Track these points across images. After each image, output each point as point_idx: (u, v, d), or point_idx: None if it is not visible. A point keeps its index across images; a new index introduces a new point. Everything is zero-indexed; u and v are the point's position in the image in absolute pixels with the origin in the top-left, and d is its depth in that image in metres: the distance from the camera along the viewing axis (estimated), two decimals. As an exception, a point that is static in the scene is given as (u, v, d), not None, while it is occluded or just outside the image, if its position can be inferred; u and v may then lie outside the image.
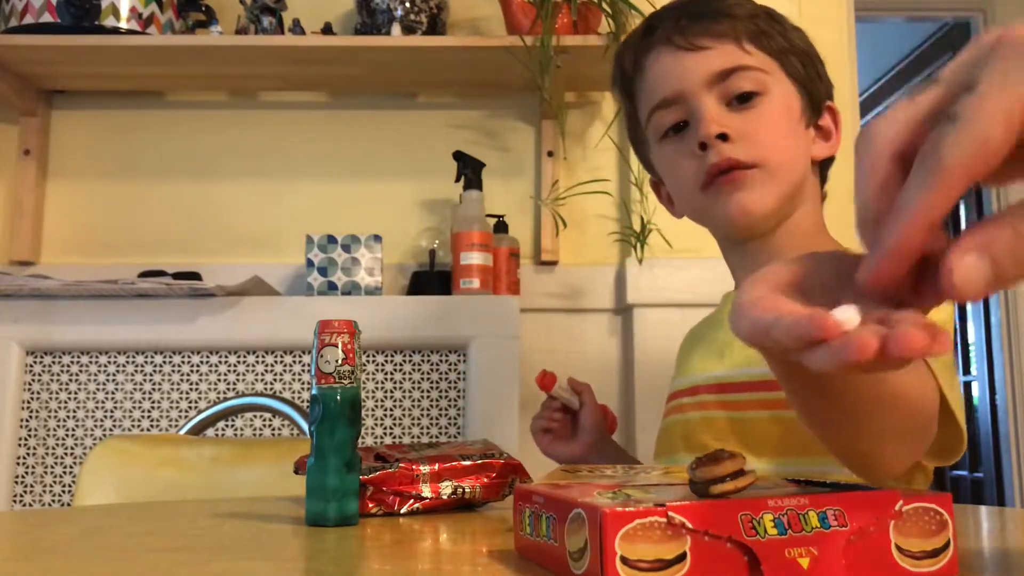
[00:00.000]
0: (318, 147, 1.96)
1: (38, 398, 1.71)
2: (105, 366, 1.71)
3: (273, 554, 0.55)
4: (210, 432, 1.38)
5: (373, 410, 1.71)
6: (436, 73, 1.86)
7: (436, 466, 0.75)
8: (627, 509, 0.38)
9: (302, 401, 1.63)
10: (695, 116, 0.92)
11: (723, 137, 0.89)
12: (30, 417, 1.71)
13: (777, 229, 0.94)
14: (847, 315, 0.34)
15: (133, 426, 1.71)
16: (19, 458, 1.70)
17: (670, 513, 0.38)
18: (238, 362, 1.71)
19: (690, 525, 0.38)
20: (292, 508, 0.76)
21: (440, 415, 1.70)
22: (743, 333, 0.38)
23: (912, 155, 0.35)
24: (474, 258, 1.71)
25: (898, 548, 0.40)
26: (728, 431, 0.95)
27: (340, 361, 0.66)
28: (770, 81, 0.93)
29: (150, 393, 1.71)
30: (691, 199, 0.95)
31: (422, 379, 1.71)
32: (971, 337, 3.43)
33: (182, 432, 1.33)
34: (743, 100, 0.92)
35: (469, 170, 1.79)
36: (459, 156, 1.80)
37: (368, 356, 1.71)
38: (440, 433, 1.70)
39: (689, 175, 0.93)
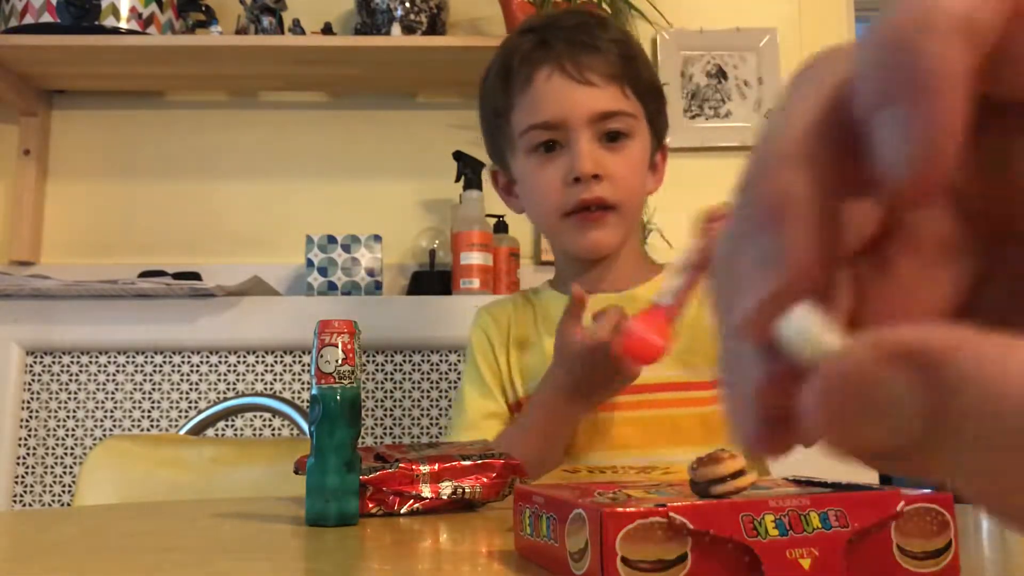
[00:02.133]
0: (318, 147, 1.96)
1: (38, 398, 1.71)
2: (105, 366, 1.71)
3: (273, 554, 0.55)
4: (210, 432, 1.38)
5: (373, 410, 1.71)
6: (436, 73, 1.86)
7: (436, 466, 0.75)
8: (628, 510, 0.38)
9: (302, 401, 1.63)
10: (573, 149, 1.01)
11: (596, 176, 1.01)
12: (30, 417, 1.70)
13: (610, 255, 1.07)
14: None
15: (133, 426, 1.70)
16: (19, 458, 1.69)
17: (671, 514, 0.38)
18: (238, 362, 1.71)
19: (691, 526, 0.38)
20: (292, 508, 0.76)
21: (440, 415, 1.70)
22: None
23: None
24: (474, 258, 1.71)
25: (900, 549, 0.40)
26: (696, 426, 0.99)
27: (340, 361, 0.66)
28: (636, 126, 1.05)
29: (150, 393, 1.71)
30: (548, 220, 1.06)
31: (422, 379, 1.71)
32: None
33: (182, 432, 1.33)
34: (612, 139, 1.03)
35: (469, 170, 1.79)
36: (459, 156, 1.80)
37: (368, 356, 1.71)
38: (440, 433, 1.70)
39: (553, 200, 1.03)
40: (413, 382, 1.71)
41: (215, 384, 1.71)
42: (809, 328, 0.17)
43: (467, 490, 0.75)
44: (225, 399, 1.51)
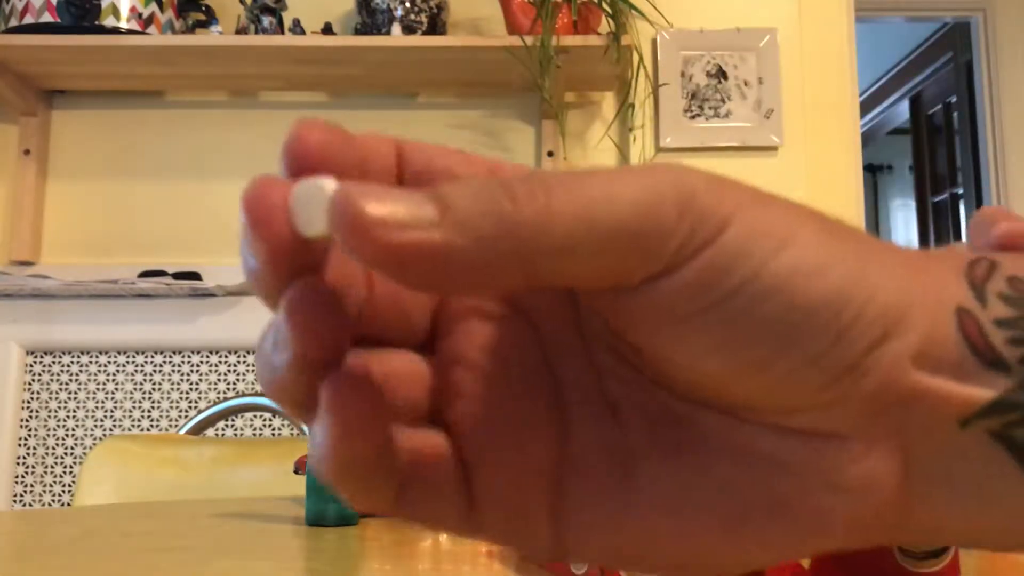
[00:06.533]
0: (318, 147, 1.96)
1: (38, 398, 1.71)
2: (105, 366, 1.71)
3: (273, 554, 0.55)
4: (210, 432, 1.38)
5: (373, 410, 1.70)
6: (436, 73, 1.86)
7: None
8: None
9: (302, 401, 1.62)
10: None
11: None
12: (30, 417, 1.70)
13: None
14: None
15: (133, 426, 1.70)
16: (19, 458, 1.69)
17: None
18: (238, 362, 1.71)
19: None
20: (292, 508, 0.76)
21: (440, 415, 1.70)
22: None
23: None
24: (474, 258, 1.71)
25: (900, 548, 0.40)
26: None
27: (340, 361, 0.66)
28: None
29: (150, 393, 1.71)
30: None
31: (422, 379, 1.71)
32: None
33: (182, 432, 1.33)
34: None
35: (469, 170, 1.79)
36: (459, 156, 1.80)
37: (368, 356, 1.71)
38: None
39: None
40: (413, 382, 1.71)
41: (215, 384, 1.71)
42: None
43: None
44: (225, 399, 1.51)
